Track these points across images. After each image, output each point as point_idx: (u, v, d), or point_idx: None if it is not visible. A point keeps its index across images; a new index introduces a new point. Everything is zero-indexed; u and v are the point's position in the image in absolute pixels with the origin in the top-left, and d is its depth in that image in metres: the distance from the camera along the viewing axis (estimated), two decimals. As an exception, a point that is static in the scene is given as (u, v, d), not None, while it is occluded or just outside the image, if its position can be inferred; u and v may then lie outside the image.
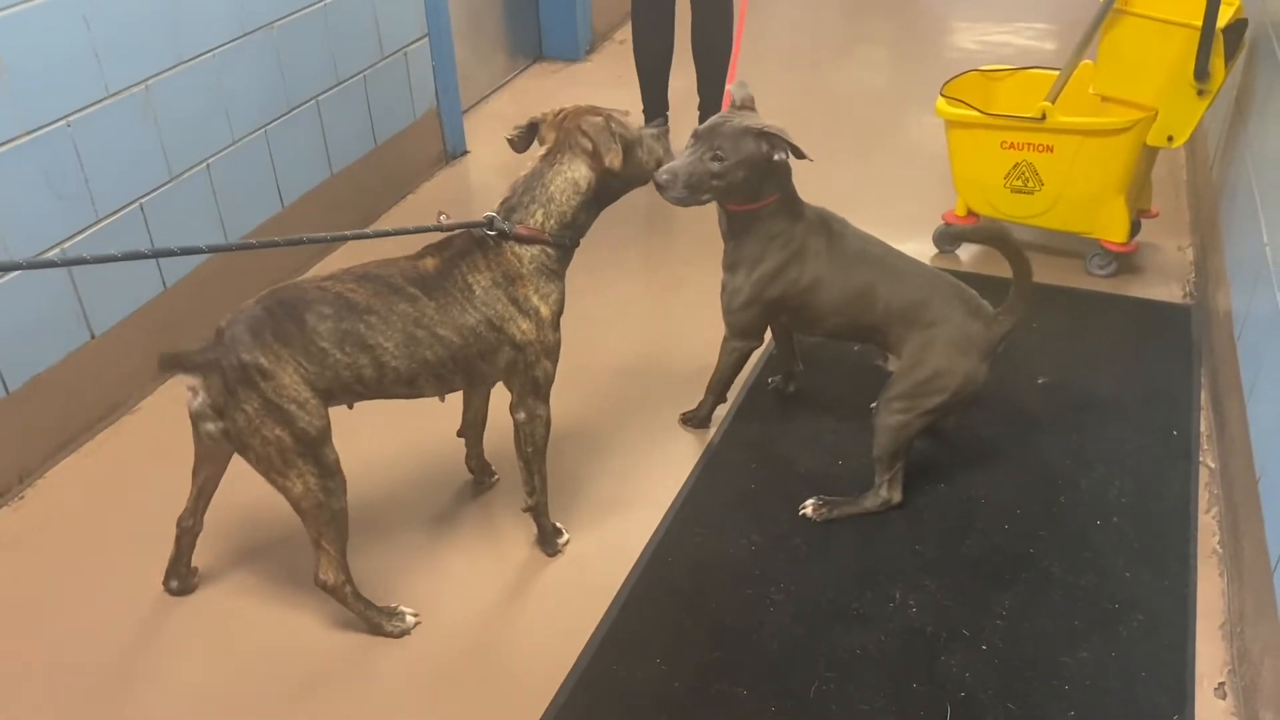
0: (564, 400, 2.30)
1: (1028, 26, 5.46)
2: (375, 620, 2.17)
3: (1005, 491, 2.49)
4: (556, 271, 2.17)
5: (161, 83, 2.80)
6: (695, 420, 2.74)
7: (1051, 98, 3.16)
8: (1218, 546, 2.35)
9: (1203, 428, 2.69)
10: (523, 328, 2.13)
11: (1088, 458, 2.59)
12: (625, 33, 4.50)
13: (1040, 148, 3.18)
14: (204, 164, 3.00)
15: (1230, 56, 2.98)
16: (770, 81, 4.46)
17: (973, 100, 3.29)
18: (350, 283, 2.03)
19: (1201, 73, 2.93)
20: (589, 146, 2.12)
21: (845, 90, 4.98)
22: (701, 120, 3.30)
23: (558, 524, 2.40)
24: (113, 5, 2.62)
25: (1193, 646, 2.11)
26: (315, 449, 1.98)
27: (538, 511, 2.34)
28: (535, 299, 2.13)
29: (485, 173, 4.19)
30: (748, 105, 2.41)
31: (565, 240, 2.16)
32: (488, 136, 4.42)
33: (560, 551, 2.38)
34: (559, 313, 2.19)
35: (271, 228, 3.28)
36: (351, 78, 3.55)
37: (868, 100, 4.85)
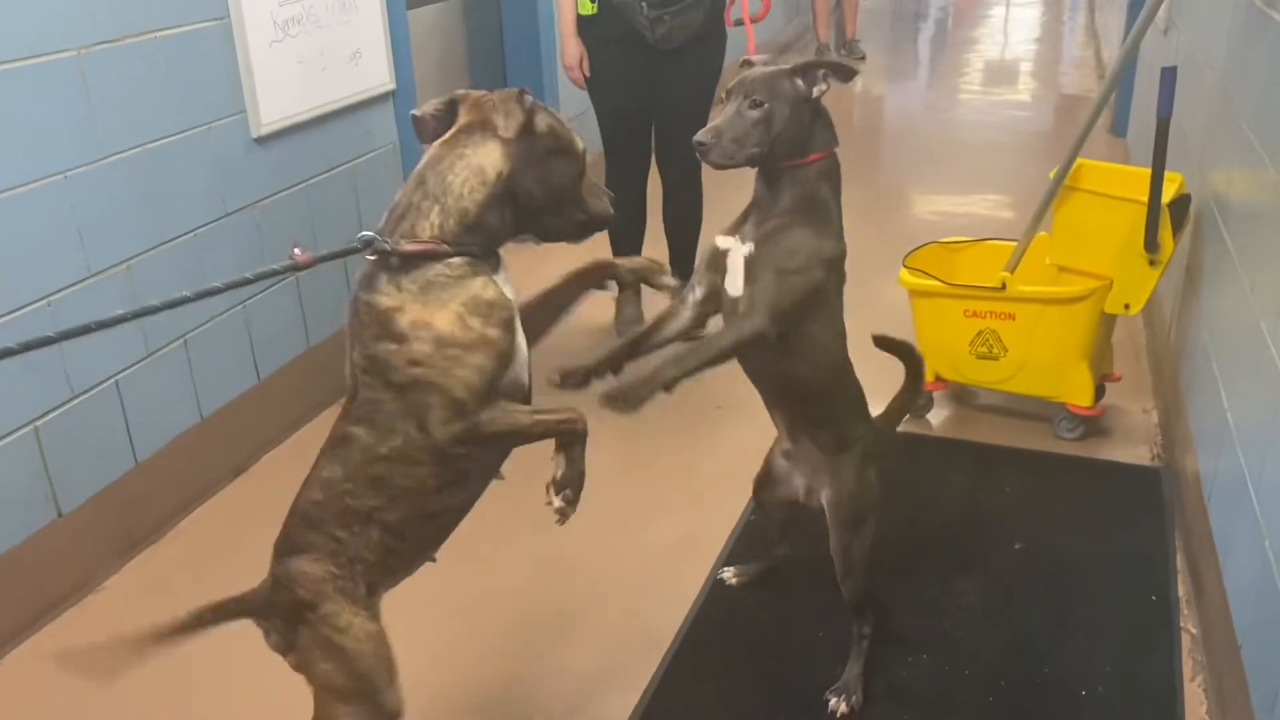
0: (529, 587, 2.25)
1: (983, 198, 5.70)
2: None
3: (988, 663, 2.44)
4: (459, 277, 1.67)
5: (143, 262, 2.86)
6: (582, 372, 2.05)
7: (1010, 267, 3.27)
8: (1205, 716, 2.30)
9: (1181, 592, 2.68)
10: (413, 355, 1.64)
11: (1069, 626, 2.56)
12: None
13: (1002, 315, 3.27)
14: (181, 339, 3.03)
15: (1177, 229, 3.11)
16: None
17: (934, 270, 3.40)
18: (321, 460, 1.82)
19: (1151, 245, 3.05)
20: (497, 120, 1.70)
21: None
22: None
23: None
24: (98, 189, 2.70)
25: (1189, 824, 2.05)
26: (369, 687, 1.77)
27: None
28: (419, 313, 1.64)
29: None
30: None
31: (473, 247, 1.69)
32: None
33: None
34: (473, 311, 1.66)
35: (246, 401, 3.29)
36: (331, 253, 3.62)
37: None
